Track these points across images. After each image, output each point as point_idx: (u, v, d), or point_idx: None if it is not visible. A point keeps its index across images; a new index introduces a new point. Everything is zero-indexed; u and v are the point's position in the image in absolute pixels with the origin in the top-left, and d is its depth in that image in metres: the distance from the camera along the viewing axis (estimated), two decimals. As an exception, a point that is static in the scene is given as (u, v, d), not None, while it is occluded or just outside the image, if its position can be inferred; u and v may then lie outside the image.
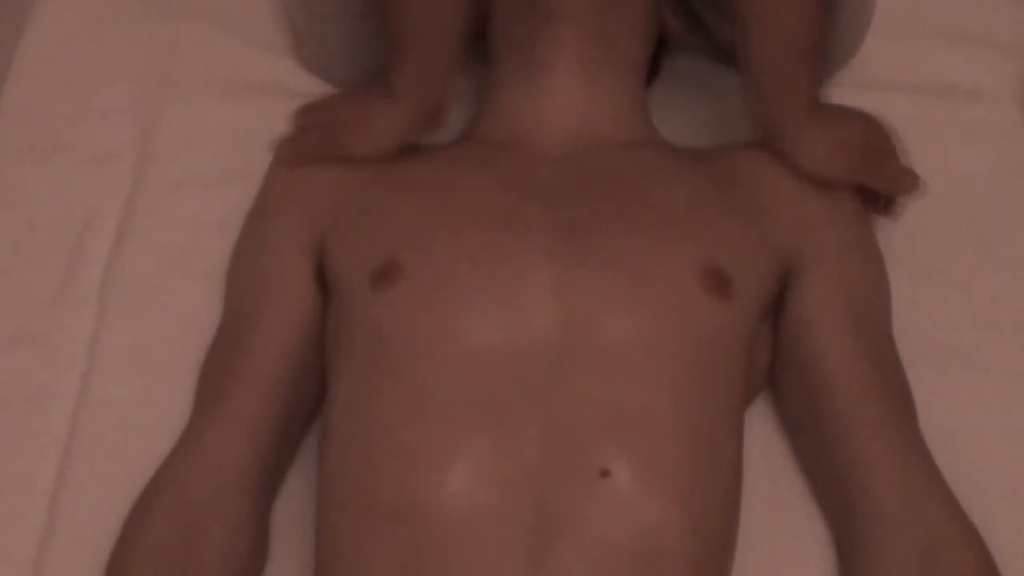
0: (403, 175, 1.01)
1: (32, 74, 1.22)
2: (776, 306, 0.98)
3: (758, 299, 0.95)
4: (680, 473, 0.85)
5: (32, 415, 1.02)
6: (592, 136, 1.03)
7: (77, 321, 1.06)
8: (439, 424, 0.85)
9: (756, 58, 1.00)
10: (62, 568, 0.94)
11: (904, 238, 1.07)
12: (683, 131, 1.11)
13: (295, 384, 0.95)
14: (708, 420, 0.88)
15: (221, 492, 0.90)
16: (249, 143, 1.08)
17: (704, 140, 1.11)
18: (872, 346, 0.96)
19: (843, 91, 1.11)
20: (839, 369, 0.94)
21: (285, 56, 1.23)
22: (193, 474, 0.91)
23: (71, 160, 1.16)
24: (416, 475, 0.83)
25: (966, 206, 1.11)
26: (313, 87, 1.18)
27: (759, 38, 0.99)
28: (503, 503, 0.81)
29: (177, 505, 0.90)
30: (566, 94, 1.03)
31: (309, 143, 1.04)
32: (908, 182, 1.00)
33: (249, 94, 1.20)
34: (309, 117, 1.06)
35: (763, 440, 0.99)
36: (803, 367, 0.96)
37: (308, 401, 0.98)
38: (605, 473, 0.82)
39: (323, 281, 0.98)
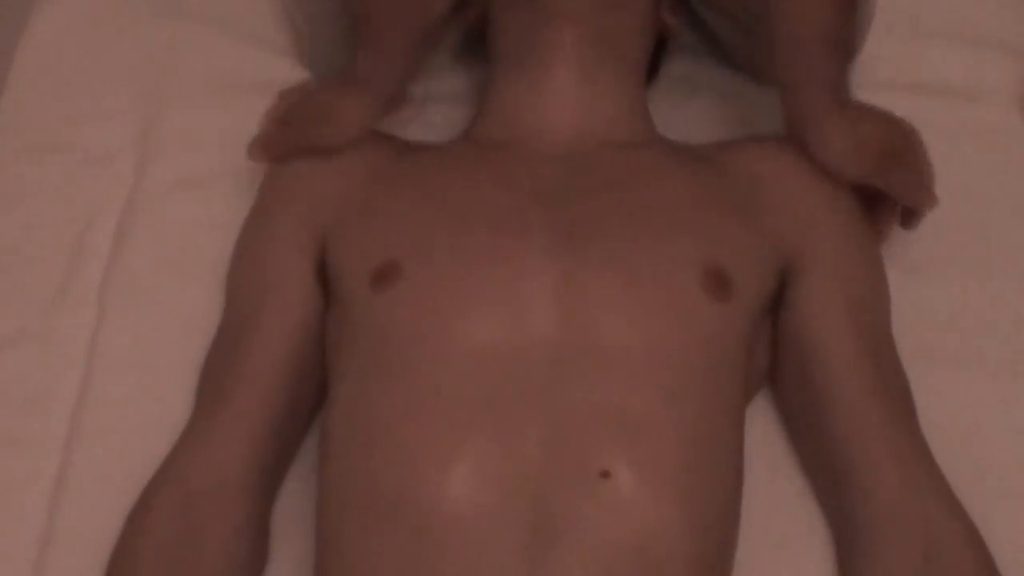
0: (403, 175, 1.01)
1: (32, 74, 1.22)
2: (776, 304, 0.98)
3: (758, 298, 0.95)
4: (680, 474, 0.85)
5: (32, 415, 1.02)
6: (592, 136, 1.03)
7: (77, 321, 1.06)
8: (439, 424, 0.85)
9: (782, 48, 1.00)
10: (62, 568, 0.94)
11: (903, 238, 1.07)
12: (683, 131, 1.11)
13: (296, 383, 0.95)
14: (708, 420, 0.88)
15: (222, 491, 0.90)
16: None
17: (704, 140, 1.11)
18: (872, 345, 0.96)
19: (843, 91, 1.11)
20: (839, 368, 0.94)
21: (285, 56, 1.23)
22: (194, 473, 0.91)
23: (71, 160, 1.16)
24: (416, 475, 0.83)
25: (966, 206, 1.11)
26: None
27: (785, 28, 1.00)
28: (503, 503, 0.81)
29: (178, 504, 0.90)
30: (566, 93, 1.03)
31: (280, 140, 1.04)
32: (919, 196, 0.99)
33: (249, 94, 1.19)
34: (280, 112, 1.05)
35: (763, 439, 0.99)
36: (803, 366, 0.96)
37: (309, 400, 0.98)
38: (605, 474, 0.82)
39: (324, 280, 0.98)
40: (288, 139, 1.04)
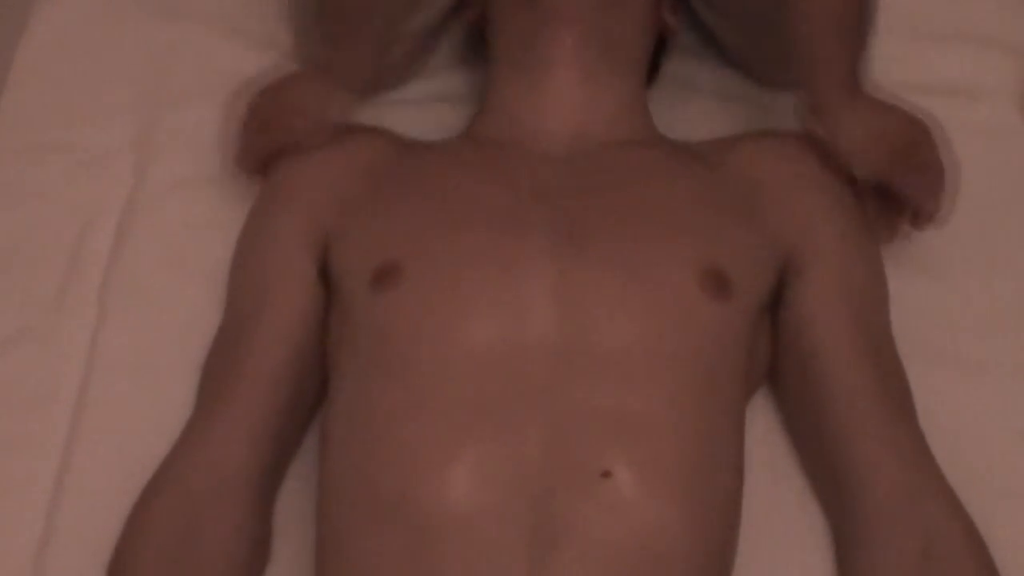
0: (404, 175, 1.01)
1: (32, 74, 1.22)
2: (776, 303, 0.98)
3: (757, 297, 0.95)
4: (680, 474, 0.85)
5: (32, 415, 1.02)
6: (592, 135, 1.03)
7: (77, 321, 1.06)
8: (440, 424, 0.85)
9: (797, 37, 1.01)
10: (62, 568, 0.94)
11: (903, 237, 1.07)
12: (683, 131, 1.11)
13: (297, 382, 0.95)
14: (708, 420, 0.88)
15: (222, 490, 0.90)
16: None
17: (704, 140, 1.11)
18: (871, 343, 0.96)
19: (843, 91, 1.11)
20: (839, 366, 0.94)
21: (285, 57, 1.22)
22: (195, 471, 0.91)
23: (71, 160, 1.16)
24: (417, 475, 0.83)
25: (966, 206, 1.11)
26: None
27: (803, 13, 1.00)
28: (504, 503, 0.81)
29: (179, 503, 0.90)
30: (566, 93, 1.03)
31: (258, 144, 1.04)
32: (927, 201, 0.99)
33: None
34: (253, 117, 1.05)
35: (763, 439, 0.99)
36: (803, 364, 0.96)
37: (310, 399, 0.98)
38: (606, 474, 0.82)
39: (326, 279, 0.98)
40: (266, 142, 1.04)
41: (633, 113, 1.07)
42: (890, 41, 1.19)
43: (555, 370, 0.86)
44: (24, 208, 1.13)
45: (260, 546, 0.93)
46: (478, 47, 1.14)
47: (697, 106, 1.19)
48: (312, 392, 0.98)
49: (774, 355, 0.99)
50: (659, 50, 1.13)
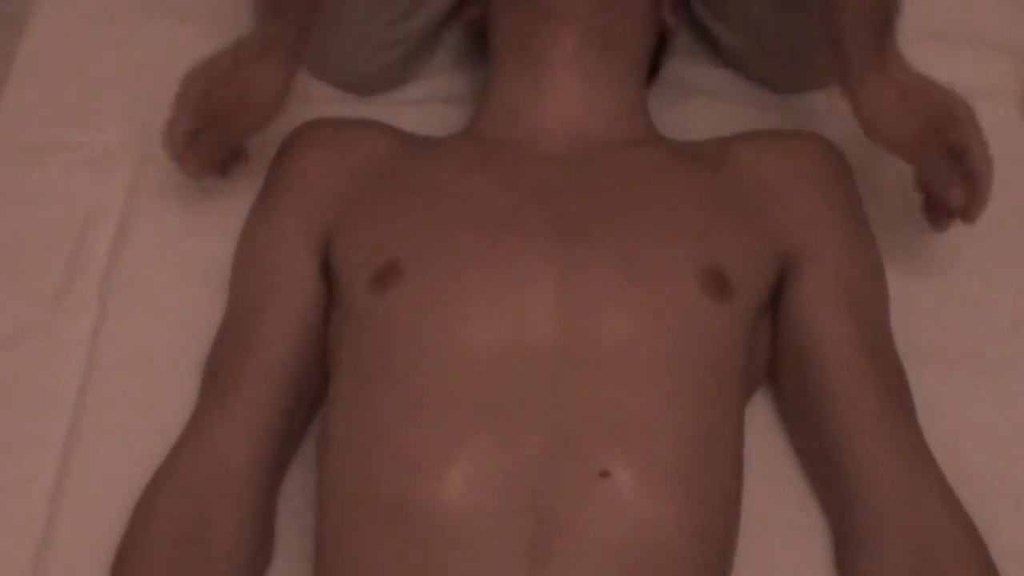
0: (405, 173, 1.01)
1: (32, 74, 1.22)
2: (775, 302, 0.98)
3: (757, 297, 0.95)
4: (680, 473, 0.85)
5: (32, 415, 1.02)
6: (592, 135, 1.03)
7: (77, 321, 1.06)
8: (439, 425, 0.85)
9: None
10: (62, 568, 0.94)
11: (903, 237, 1.07)
12: (683, 131, 1.11)
13: (299, 379, 0.96)
14: (708, 420, 0.88)
15: (226, 487, 0.90)
16: (249, 143, 1.07)
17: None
18: (871, 343, 0.96)
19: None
20: (838, 365, 0.94)
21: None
22: (198, 470, 0.91)
23: (71, 160, 1.16)
24: (416, 475, 0.83)
25: (966, 206, 1.11)
26: (313, 87, 1.18)
27: None
28: (503, 504, 0.81)
29: (182, 501, 0.90)
30: (566, 92, 1.03)
31: (206, 147, 1.01)
32: (946, 189, 0.94)
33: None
34: (198, 107, 1.01)
35: (763, 439, 0.99)
36: (802, 363, 0.96)
37: (312, 395, 0.98)
38: (605, 474, 0.82)
39: (328, 277, 0.98)
40: (214, 143, 1.01)
41: (633, 112, 1.07)
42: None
43: (555, 370, 0.86)
44: (24, 208, 1.13)
45: (263, 544, 0.93)
46: (478, 47, 1.14)
47: (697, 106, 1.19)
48: (314, 389, 0.98)
49: (774, 355, 0.99)
50: (659, 50, 1.13)
